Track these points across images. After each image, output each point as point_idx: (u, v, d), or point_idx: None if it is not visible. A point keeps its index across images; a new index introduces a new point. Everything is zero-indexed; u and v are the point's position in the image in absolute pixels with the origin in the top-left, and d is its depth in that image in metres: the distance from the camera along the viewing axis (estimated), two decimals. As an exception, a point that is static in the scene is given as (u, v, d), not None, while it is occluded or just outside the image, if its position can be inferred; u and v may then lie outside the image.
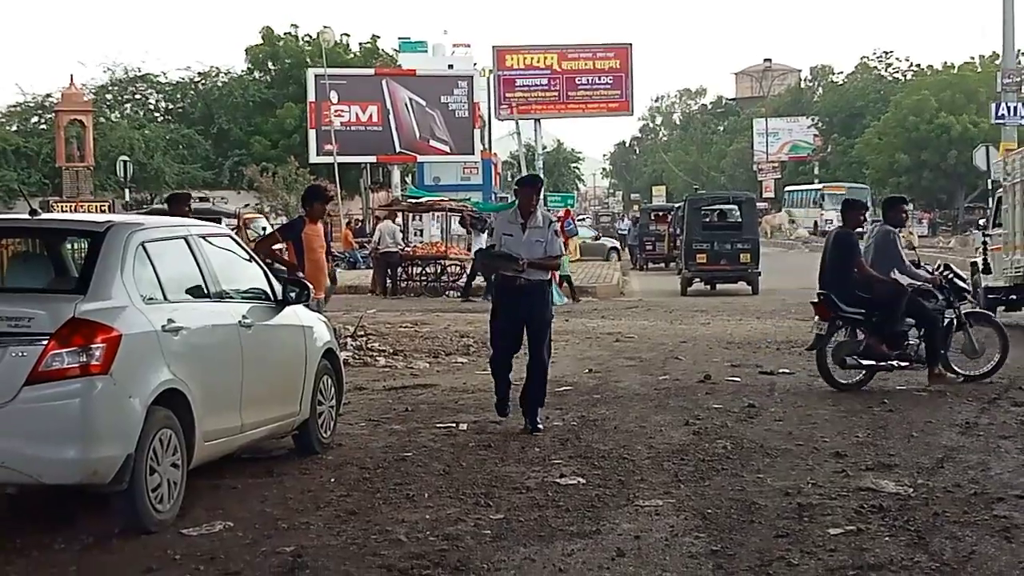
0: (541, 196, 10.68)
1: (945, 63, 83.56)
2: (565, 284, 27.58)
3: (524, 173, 61.11)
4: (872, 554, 6.63)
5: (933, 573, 6.27)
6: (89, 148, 51.11)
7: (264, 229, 27.56)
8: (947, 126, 70.30)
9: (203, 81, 64.96)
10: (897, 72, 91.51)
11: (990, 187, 26.76)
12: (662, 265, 43.26)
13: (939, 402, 11.83)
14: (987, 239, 21.05)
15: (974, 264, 20.92)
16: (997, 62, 52.35)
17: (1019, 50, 53.73)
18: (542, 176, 11.97)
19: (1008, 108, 43.29)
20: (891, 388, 12.75)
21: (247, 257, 9.31)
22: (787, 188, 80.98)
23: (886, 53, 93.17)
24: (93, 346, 6.88)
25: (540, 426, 10.41)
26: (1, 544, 7.02)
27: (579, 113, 62.70)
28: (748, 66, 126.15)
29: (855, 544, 6.82)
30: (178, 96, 65.44)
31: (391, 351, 16.69)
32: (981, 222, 25.55)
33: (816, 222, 68.80)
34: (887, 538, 6.96)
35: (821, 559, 6.56)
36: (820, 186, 74.88)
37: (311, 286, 9.86)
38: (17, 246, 9.04)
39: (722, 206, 33.86)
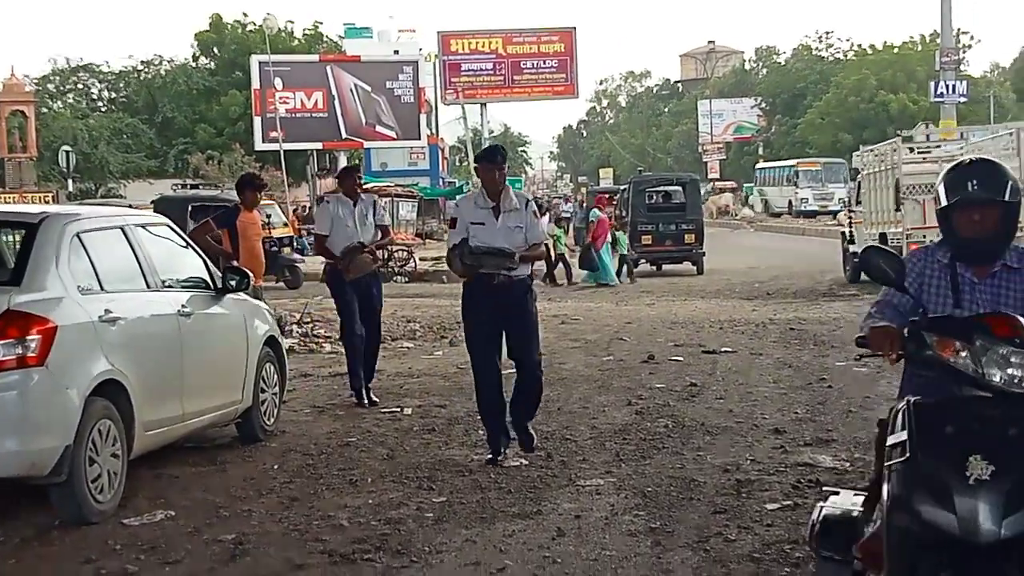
0: (505, 172, 8.64)
1: (885, 43, 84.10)
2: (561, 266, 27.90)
3: (471, 159, 61.59)
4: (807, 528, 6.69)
5: None
6: (32, 139, 50.48)
7: (269, 216, 27.51)
8: (887, 105, 70.85)
9: (146, 70, 64.36)
10: (838, 52, 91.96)
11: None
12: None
13: (877, 377, 11.92)
14: (851, 215, 26.60)
15: (843, 234, 27.35)
16: (937, 41, 52.74)
17: (957, 29, 54.27)
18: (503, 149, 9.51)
19: (947, 86, 43.77)
20: (831, 365, 12.87)
21: (185, 245, 9.24)
22: (758, 166, 79.66)
23: (827, 34, 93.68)
24: (28, 338, 6.82)
25: (536, 443, 8.83)
26: (-61, 538, 6.97)
27: (525, 97, 62.88)
28: (693, 48, 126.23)
29: (791, 519, 6.86)
30: (121, 85, 64.81)
31: (336, 337, 16.62)
32: (846, 200, 31.74)
33: (791, 201, 62.91)
34: None
35: (758, 534, 6.62)
36: (793, 162, 69.70)
37: (251, 274, 9.82)
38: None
39: (667, 187, 33.92)
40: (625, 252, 28.34)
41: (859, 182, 26.54)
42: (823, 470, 8.05)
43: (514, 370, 8.84)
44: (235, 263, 10.41)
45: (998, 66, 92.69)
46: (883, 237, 22.97)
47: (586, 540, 6.57)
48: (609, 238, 27.53)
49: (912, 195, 21.77)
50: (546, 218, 27.81)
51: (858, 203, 25.79)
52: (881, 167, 24.22)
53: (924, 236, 20.10)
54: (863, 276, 20.37)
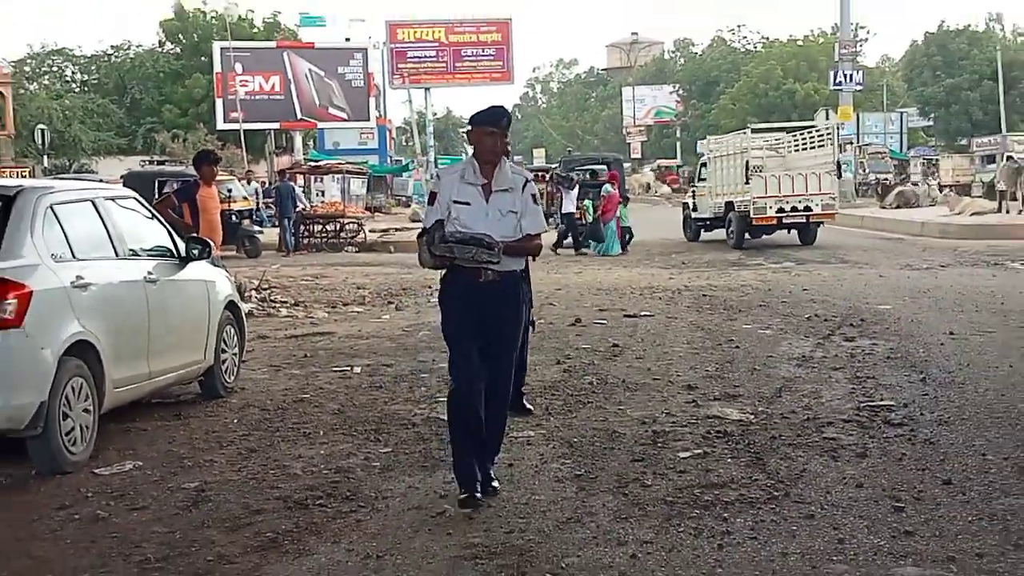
0: (507, 142, 6.35)
1: (790, 36, 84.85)
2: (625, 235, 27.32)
3: (416, 139, 61.72)
4: (716, 474, 6.76)
5: (769, 490, 6.40)
6: (9, 118, 50.15)
7: (230, 191, 27.55)
8: (792, 92, 71.61)
9: (116, 54, 63.84)
10: (749, 44, 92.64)
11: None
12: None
13: (780, 339, 12.08)
14: (694, 188, 31.64)
15: (685, 204, 32.11)
16: (836, 35, 53.29)
17: (855, 23, 54.80)
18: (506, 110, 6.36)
19: (844, 75, 44.40)
20: (738, 328, 13.00)
21: (150, 216, 9.15)
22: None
23: (739, 27, 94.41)
24: (5, 302, 6.76)
25: (495, 484, 6.41)
26: (-77, 487, 6.90)
27: (465, 83, 62.72)
28: (618, 39, 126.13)
29: (702, 466, 6.95)
30: (93, 68, 64.36)
31: (292, 302, 16.60)
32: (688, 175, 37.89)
33: None
34: (730, 460, 7.11)
35: (671, 479, 6.68)
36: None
37: (212, 243, 9.76)
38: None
39: (593, 166, 33.94)
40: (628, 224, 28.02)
41: (702, 163, 31.27)
42: (731, 422, 8.14)
43: None
44: (195, 234, 10.33)
45: (890, 58, 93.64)
46: (730, 205, 27.63)
47: (518, 486, 6.61)
48: (618, 212, 26.88)
49: (757, 173, 26.10)
50: (575, 191, 27.56)
51: (701, 180, 30.56)
52: (730, 151, 28.36)
53: (764, 203, 26.11)
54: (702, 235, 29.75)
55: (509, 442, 7.64)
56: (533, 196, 6.24)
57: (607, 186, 27.54)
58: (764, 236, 27.52)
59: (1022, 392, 8.95)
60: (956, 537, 5.58)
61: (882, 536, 5.61)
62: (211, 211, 11.63)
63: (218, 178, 13.14)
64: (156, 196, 17.68)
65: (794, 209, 26.14)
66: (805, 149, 27.80)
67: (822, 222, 27.05)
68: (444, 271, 6.26)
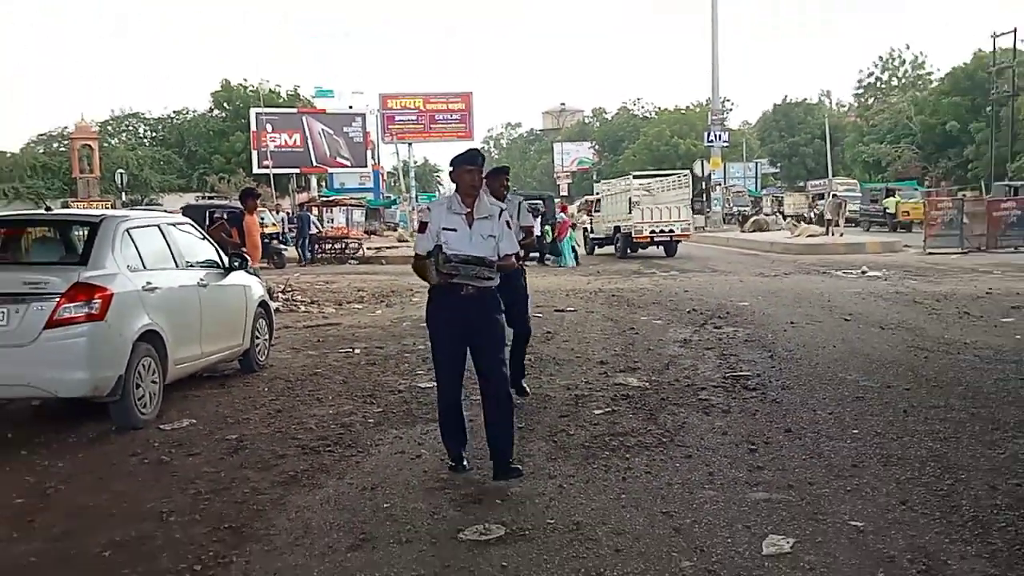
0: (483, 177, 5.72)
1: (676, 106, 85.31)
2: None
3: (402, 182, 61.49)
4: (620, 426, 6.78)
5: (659, 437, 6.43)
6: (96, 164, 49.57)
7: (263, 218, 27.15)
8: (677, 146, 72.19)
9: (177, 116, 63.24)
10: (645, 112, 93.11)
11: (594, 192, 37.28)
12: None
13: (668, 327, 12.04)
14: (591, 216, 32.58)
15: (585, 228, 32.54)
16: (709, 105, 53.70)
17: (723, 97, 55.27)
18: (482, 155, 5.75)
19: (715, 135, 44.64)
20: (638, 319, 13.03)
21: (202, 238, 9.04)
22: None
23: (638, 99, 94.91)
24: (93, 301, 6.68)
25: (519, 467, 5.62)
26: (29, 438, 6.78)
27: (438, 139, 62.32)
28: (550, 108, 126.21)
29: (610, 420, 6.97)
30: (159, 127, 63.60)
31: (309, 301, 16.43)
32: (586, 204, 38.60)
33: None
34: (631, 415, 7.12)
35: (588, 430, 6.69)
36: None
37: (250, 257, 9.67)
38: (39, 232, 8.64)
39: (533, 201, 33.85)
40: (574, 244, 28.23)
41: (598, 198, 32.73)
42: (631, 388, 8.16)
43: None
44: (242, 251, 10.24)
45: (748, 122, 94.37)
46: (617, 228, 29.10)
47: (474, 436, 6.52)
48: (570, 233, 27.69)
49: (636, 206, 27.69)
50: (539, 219, 27.25)
51: (596, 211, 31.93)
52: (618, 191, 30.06)
53: (641, 226, 27.65)
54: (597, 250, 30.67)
55: (468, 404, 7.49)
56: (507, 222, 5.62)
57: (561, 214, 28.48)
58: (640, 250, 28.46)
59: (842, 365, 9.04)
60: (794, 470, 5.64)
61: (741, 470, 5.66)
62: (253, 234, 11.51)
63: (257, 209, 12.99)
64: (208, 223, 17.44)
65: (662, 231, 27.77)
66: (670, 190, 28.85)
67: (680, 240, 28.33)
68: (430, 290, 5.55)
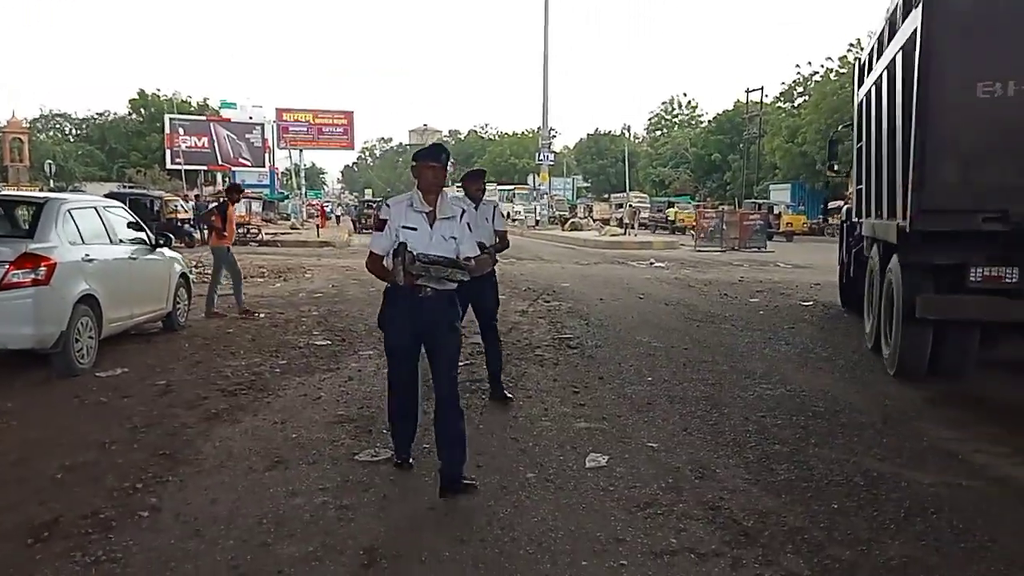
0: (447, 175, 4.22)
1: (514, 131, 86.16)
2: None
3: (294, 180, 59.64)
4: (477, 375, 6.70)
5: (506, 382, 6.36)
6: (26, 155, 45.68)
7: (178, 206, 25.97)
8: (515, 164, 72.76)
9: (99, 117, 58.86)
10: (491, 134, 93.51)
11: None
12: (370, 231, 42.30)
13: (510, 301, 11.96)
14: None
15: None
16: (539, 132, 54.47)
17: (551, 127, 56.17)
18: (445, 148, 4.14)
19: (544, 155, 45.30)
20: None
21: (132, 219, 8.51)
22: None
23: (486, 124, 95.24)
24: (40, 268, 6.25)
25: (473, 481, 4.18)
26: (-20, 384, 6.25)
27: (325, 147, 60.60)
28: (415, 126, 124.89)
29: (470, 370, 6.83)
30: (84, 126, 59.01)
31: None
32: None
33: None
34: (483, 367, 7.00)
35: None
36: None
37: (227, 235, 9.84)
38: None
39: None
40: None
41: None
42: (570, 337, 8.48)
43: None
44: (225, 233, 10.20)
45: (568, 146, 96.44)
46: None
47: (364, 382, 6.54)
48: None
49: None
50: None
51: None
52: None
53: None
54: None
55: (358, 357, 7.46)
56: (468, 224, 4.18)
57: None
58: None
59: (638, 331, 9.37)
60: (606, 407, 5.89)
61: (568, 407, 5.86)
62: (232, 220, 10.94)
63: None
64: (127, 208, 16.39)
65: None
66: (509, 200, 29.07)
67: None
68: (385, 291, 4.18)
